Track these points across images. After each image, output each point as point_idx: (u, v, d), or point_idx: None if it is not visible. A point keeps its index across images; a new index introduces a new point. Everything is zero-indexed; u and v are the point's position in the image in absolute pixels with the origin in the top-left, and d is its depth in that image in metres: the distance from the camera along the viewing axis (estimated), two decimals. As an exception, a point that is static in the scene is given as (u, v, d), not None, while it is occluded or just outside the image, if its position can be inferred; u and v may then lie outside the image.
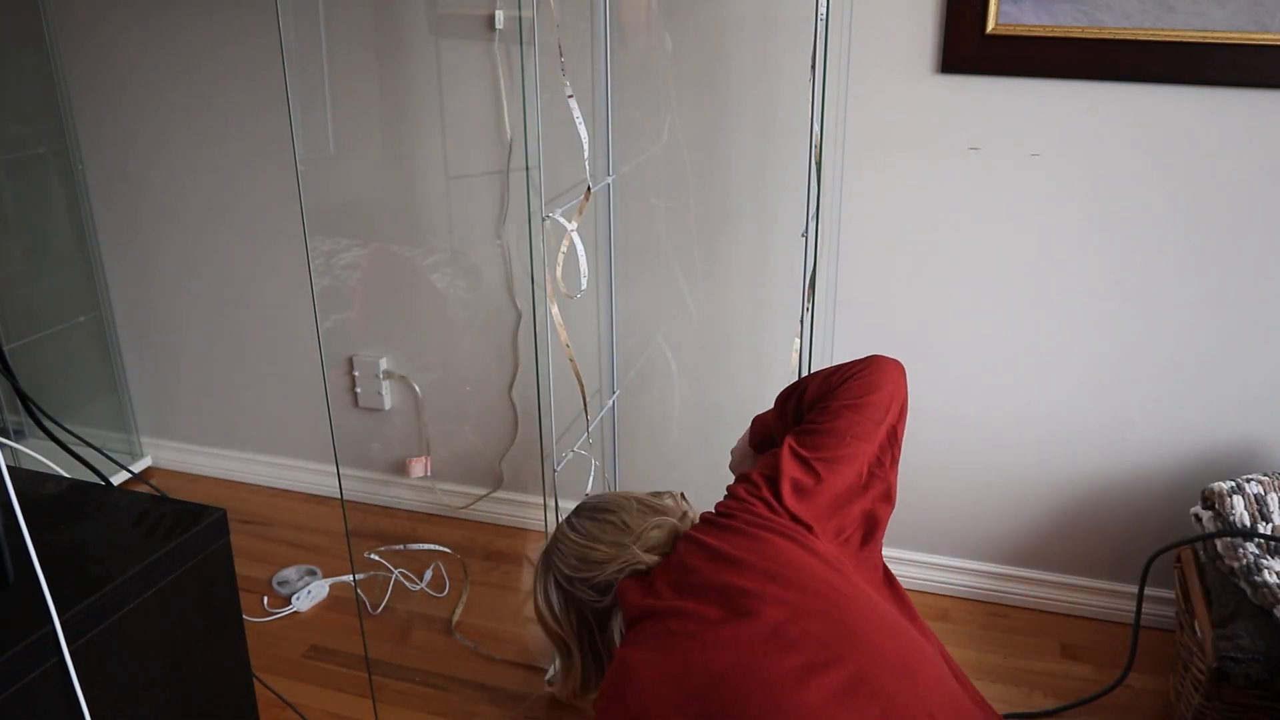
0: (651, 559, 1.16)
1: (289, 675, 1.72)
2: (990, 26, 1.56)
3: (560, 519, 1.34)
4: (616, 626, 1.17)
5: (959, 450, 1.84)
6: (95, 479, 1.11)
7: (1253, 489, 1.52)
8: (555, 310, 1.43)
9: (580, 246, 1.42)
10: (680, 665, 0.96)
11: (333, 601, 1.94)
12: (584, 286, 1.45)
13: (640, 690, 0.97)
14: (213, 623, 1.00)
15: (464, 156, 1.92)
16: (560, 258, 1.43)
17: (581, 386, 1.52)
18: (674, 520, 1.23)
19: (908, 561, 1.92)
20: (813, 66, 1.38)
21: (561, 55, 1.40)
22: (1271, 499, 1.51)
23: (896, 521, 1.90)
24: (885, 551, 1.89)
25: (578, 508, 1.32)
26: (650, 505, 1.27)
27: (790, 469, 1.14)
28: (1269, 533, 1.47)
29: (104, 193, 2.23)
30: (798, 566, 1.03)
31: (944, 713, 0.93)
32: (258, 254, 2.16)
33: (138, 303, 2.31)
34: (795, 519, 1.10)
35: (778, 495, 1.12)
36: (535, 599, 1.28)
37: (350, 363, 2.16)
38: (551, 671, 1.68)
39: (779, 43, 1.66)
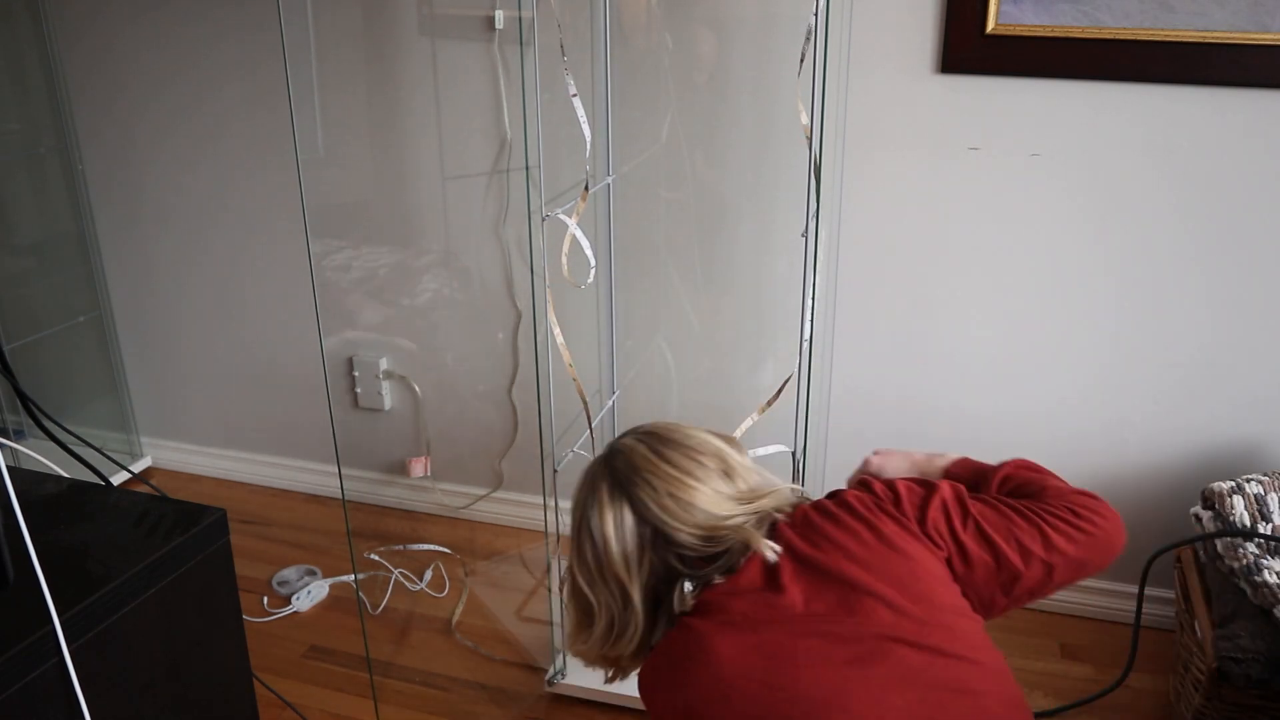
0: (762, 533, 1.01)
1: (289, 675, 1.72)
2: (990, 26, 1.56)
3: (560, 519, 1.33)
4: (682, 584, 1.00)
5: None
6: (95, 479, 1.11)
7: (1253, 489, 1.52)
8: (558, 332, 1.43)
9: (582, 237, 1.41)
10: (766, 670, 0.92)
11: (333, 601, 1.94)
12: (594, 266, 1.44)
13: (719, 674, 0.92)
14: (213, 623, 1.00)
15: (463, 157, 1.92)
16: (564, 257, 1.43)
17: (580, 387, 1.52)
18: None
19: (908, 561, 1.92)
20: (813, 66, 1.38)
21: (564, 54, 1.40)
22: (1271, 499, 1.51)
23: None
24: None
25: (637, 432, 1.08)
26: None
27: (945, 498, 1.08)
28: (1269, 533, 1.47)
29: (104, 192, 2.23)
30: (918, 576, 1.02)
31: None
32: (258, 254, 2.16)
33: (138, 303, 2.31)
34: (904, 521, 1.05)
35: (920, 511, 1.06)
36: (595, 534, 1.02)
37: (350, 363, 2.16)
38: (552, 671, 1.68)
39: (779, 42, 1.66)
